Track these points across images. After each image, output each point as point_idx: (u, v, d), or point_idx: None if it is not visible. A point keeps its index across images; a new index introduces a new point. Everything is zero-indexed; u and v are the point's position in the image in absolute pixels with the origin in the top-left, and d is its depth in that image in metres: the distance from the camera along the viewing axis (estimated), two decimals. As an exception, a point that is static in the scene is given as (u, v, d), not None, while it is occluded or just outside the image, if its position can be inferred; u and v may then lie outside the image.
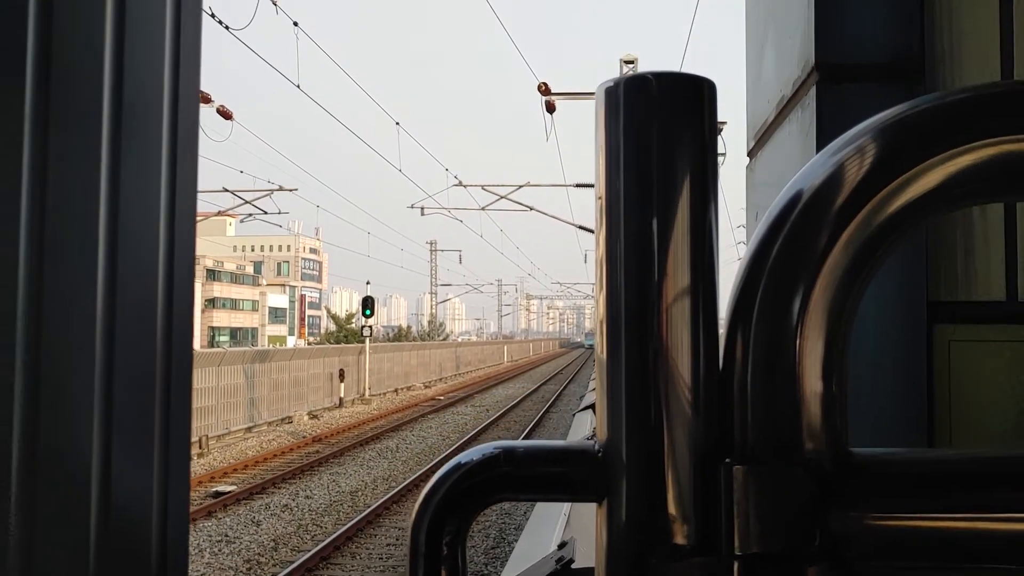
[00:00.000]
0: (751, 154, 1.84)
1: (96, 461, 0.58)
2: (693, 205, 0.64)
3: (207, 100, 23.62)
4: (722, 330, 0.66)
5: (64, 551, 0.57)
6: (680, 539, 0.63)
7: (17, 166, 0.53)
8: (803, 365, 0.62)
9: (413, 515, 0.68)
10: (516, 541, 12.92)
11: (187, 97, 0.68)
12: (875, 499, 0.62)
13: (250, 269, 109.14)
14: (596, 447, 0.67)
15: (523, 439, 25.11)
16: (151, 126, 0.64)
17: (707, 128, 0.66)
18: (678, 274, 0.64)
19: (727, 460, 0.62)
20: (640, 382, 0.64)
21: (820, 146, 1.29)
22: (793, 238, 0.63)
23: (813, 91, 1.32)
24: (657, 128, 0.65)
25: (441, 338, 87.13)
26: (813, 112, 1.31)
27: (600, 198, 0.67)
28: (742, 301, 0.64)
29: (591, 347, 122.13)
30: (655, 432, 0.63)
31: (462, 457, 0.69)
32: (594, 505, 0.67)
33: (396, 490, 17.72)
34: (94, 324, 0.58)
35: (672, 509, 0.63)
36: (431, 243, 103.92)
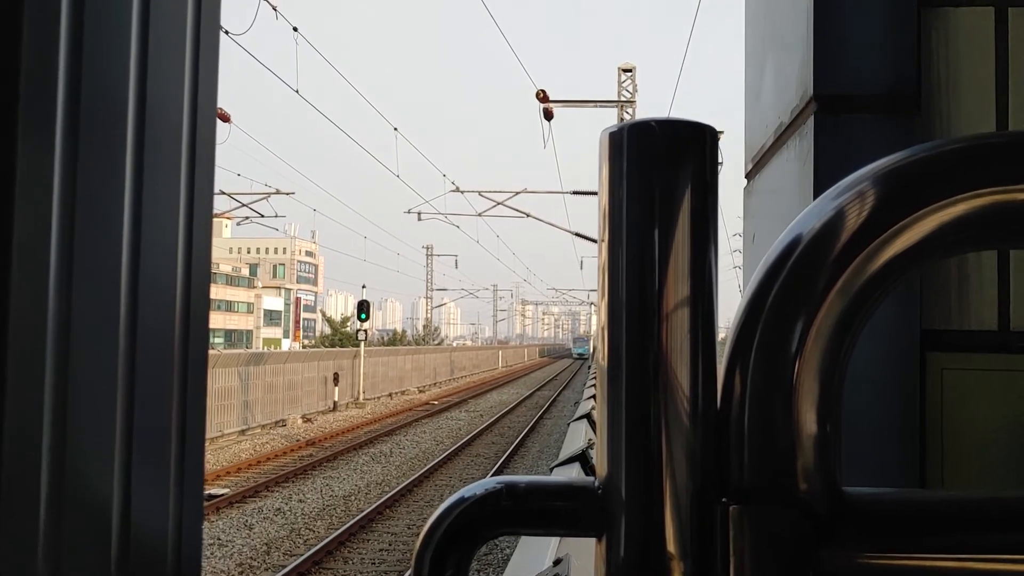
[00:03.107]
0: (748, 176, 1.86)
1: (117, 471, 0.60)
2: (694, 252, 0.66)
3: (225, 118, 23.73)
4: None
5: (87, 557, 0.58)
6: None
7: (48, 179, 0.55)
8: (799, 407, 0.64)
9: (417, 547, 0.69)
10: (508, 547, 12.92)
11: (205, 115, 0.70)
12: (867, 539, 0.64)
13: (246, 271, 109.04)
14: (596, 484, 0.68)
15: (517, 444, 25.11)
16: (172, 143, 0.67)
17: (707, 173, 0.68)
18: (678, 314, 0.66)
19: (723, 500, 0.64)
20: (639, 422, 0.66)
21: (817, 176, 1.31)
22: (791, 282, 0.64)
23: (811, 121, 1.34)
24: (659, 174, 0.66)
25: (436, 343, 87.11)
26: (811, 141, 1.33)
27: (603, 241, 0.69)
28: (740, 343, 0.66)
29: (580, 356, 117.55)
30: (654, 471, 0.65)
31: (465, 491, 0.71)
32: None
33: (389, 495, 17.70)
34: (117, 330, 0.60)
35: (670, 547, 0.65)
36: (427, 248, 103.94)
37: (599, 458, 0.69)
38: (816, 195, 0.67)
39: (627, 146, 0.67)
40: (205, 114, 0.70)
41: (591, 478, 0.69)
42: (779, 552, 0.62)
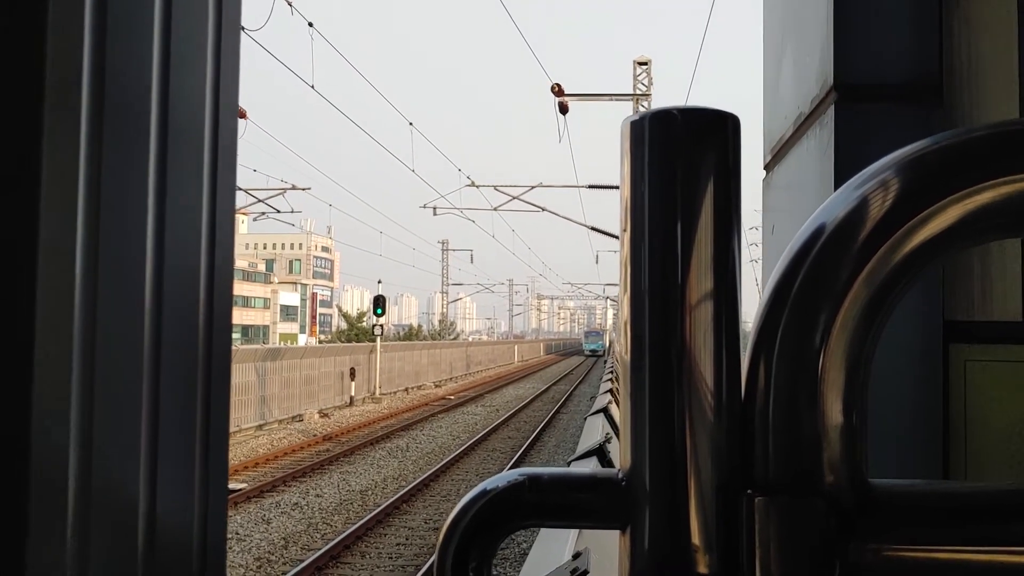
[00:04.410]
0: (767, 168, 1.85)
1: (143, 469, 0.61)
2: (717, 241, 0.65)
3: (241, 114, 23.85)
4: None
5: (114, 553, 0.59)
6: (702, 568, 0.64)
7: (74, 179, 0.55)
8: (824, 397, 0.63)
9: (440, 539, 0.69)
10: (526, 541, 12.94)
11: (227, 113, 0.71)
12: (894, 531, 0.63)
13: (262, 267, 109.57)
14: (620, 475, 0.68)
15: (533, 438, 25.12)
16: (194, 142, 0.67)
17: (730, 162, 0.67)
18: (702, 303, 0.65)
19: (749, 491, 0.63)
20: (663, 414, 0.65)
21: (838, 166, 1.30)
22: (815, 271, 0.64)
23: (831, 110, 1.33)
24: (681, 163, 0.66)
25: (452, 337, 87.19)
26: (831, 131, 1.32)
27: (626, 231, 0.68)
28: (764, 333, 0.65)
29: (592, 353, 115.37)
30: (678, 462, 0.65)
31: (488, 483, 0.70)
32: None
33: (406, 489, 17.75)
34: (142, 330, 0.61)
35: (694, 539, 0.64)
36: (443, 243, 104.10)
37: (623, 450, 0.68)
38: (837, 185, 0.66)
39: (649, 135, 0.67)
40: (227, 113, 0.71)
41: (615, 470, 0.69)
42: (805, 544, 0.62)
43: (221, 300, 0.69)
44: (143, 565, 0.60)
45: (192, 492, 0.66)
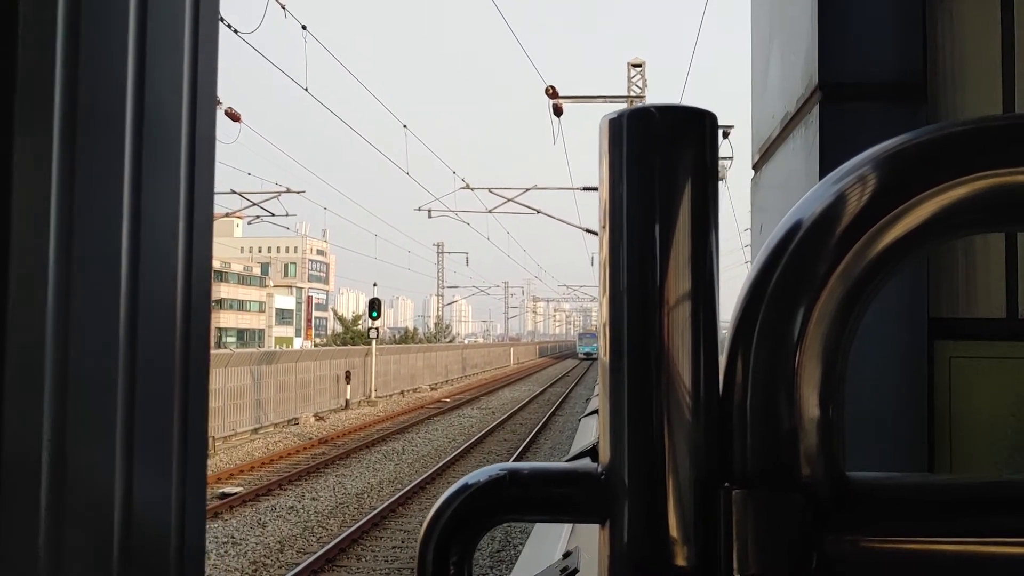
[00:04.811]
0: (756, 167, 1.85)
1: (119, 468, 0.60)
2: (694, 236, 0.66)
3: (236, 118, 23.77)
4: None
5: (89, 554, 0.58)
6: (680, 561, 0.64)
7: (47, 173, 0.55)
8: (802, 391, 0.64)
9: (421, 534, 0.70)
10: (521, 544, 12.92)
11: (204, 107, 0.70)
12: (870, 524, 0.63)
13: (257, 270, 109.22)
14: (599, 469, 0.68)
15: (529, 441, 25.11)
16: (171, 135, 0.67)
17: (708, 159, 0.68)
18: (680, 301, 0.66)
19: (726, 484, 0.64)
20: (642, 408, 0.66)
21: (823, 164, 1.30)
22: (793, 265, 0.64)
23: (816, 109, 1.34)
24: (659, 160, 0.66)
25: (447, 340, 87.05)
26: (816, 130, 1.33)
27: (604, 227, 0.69)
28: (742, 327, 0.66)
29: (587, 356, 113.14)
30: (656, 456, 0.65)
31: (469, 478, 0.71)
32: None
33: (402, 492, 17.73)
34: (117, 325, 0.60)
35: (673, 532, 0.65)
36: (438, 245, 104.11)
37: (602, 445, 0.69)
38: None
39: (627, 132, 0.67)
40: (205, 104, 0.70)
41: (594, 464, 0.69)
42: (782, 536, 0.62)
43: (199, 300, 0.69)
44: (119, 568, 0.60)
45: (169, 497, 0.66)
